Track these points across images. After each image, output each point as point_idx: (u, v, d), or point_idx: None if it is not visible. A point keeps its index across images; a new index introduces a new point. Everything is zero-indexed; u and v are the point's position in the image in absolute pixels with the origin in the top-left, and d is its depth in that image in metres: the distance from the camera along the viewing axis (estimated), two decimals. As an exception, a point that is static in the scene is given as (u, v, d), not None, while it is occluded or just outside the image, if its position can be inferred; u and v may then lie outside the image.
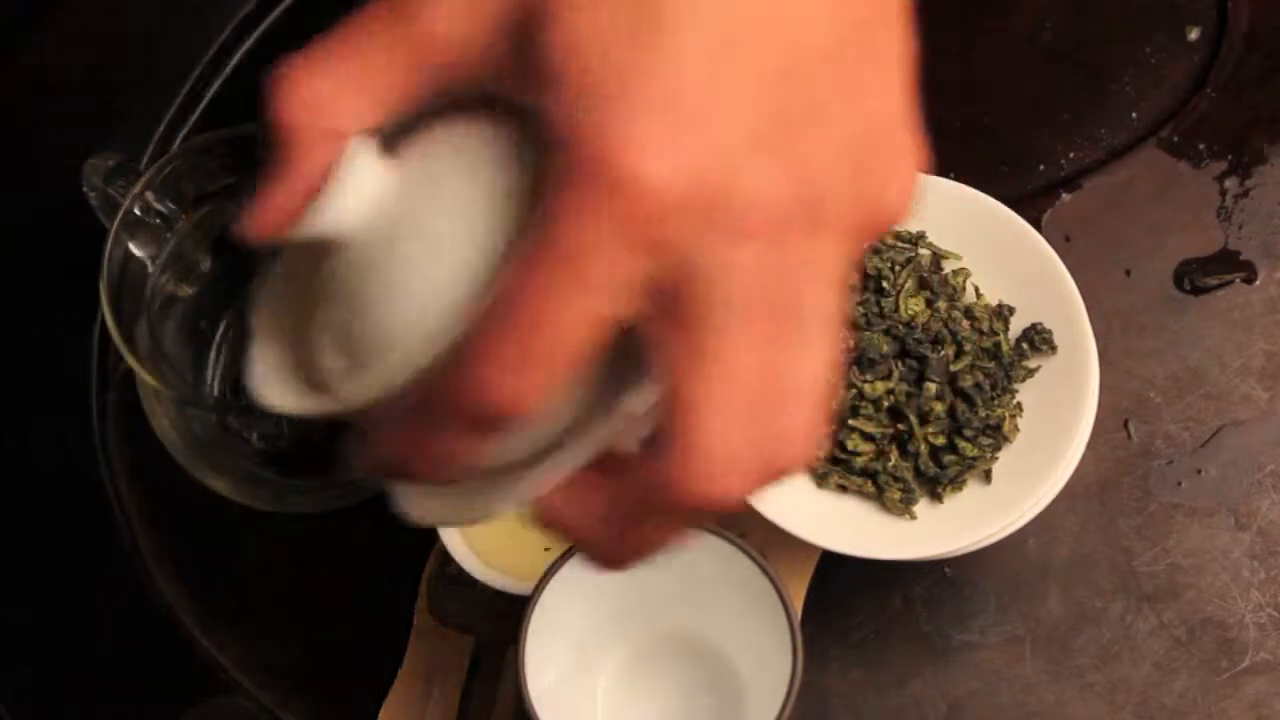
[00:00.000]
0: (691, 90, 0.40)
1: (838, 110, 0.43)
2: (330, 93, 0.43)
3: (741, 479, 0.42)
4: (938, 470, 0.76)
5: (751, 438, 0.42)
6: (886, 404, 0.76)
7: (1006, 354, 0.77)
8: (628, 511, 0.45)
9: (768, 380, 0.42)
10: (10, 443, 0.87)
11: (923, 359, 0.77)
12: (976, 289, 0.79)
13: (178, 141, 0.92)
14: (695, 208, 0.40)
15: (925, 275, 0.79)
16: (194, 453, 0.81)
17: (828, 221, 0.42)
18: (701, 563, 0.73)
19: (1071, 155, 0.88)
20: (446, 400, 0.42)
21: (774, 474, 0.43)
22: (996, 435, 0.76)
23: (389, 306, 0.44)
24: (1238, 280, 0.85)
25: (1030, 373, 0.77)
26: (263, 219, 0.44)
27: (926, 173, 0.48)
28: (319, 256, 0.46)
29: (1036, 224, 0.80)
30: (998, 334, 0.78)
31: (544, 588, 0.71)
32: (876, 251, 0.79)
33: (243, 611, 0.84)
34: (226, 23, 0.94)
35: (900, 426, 0.76)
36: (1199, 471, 0.82)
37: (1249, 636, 0.79)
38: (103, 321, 0.77)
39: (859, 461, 0.76)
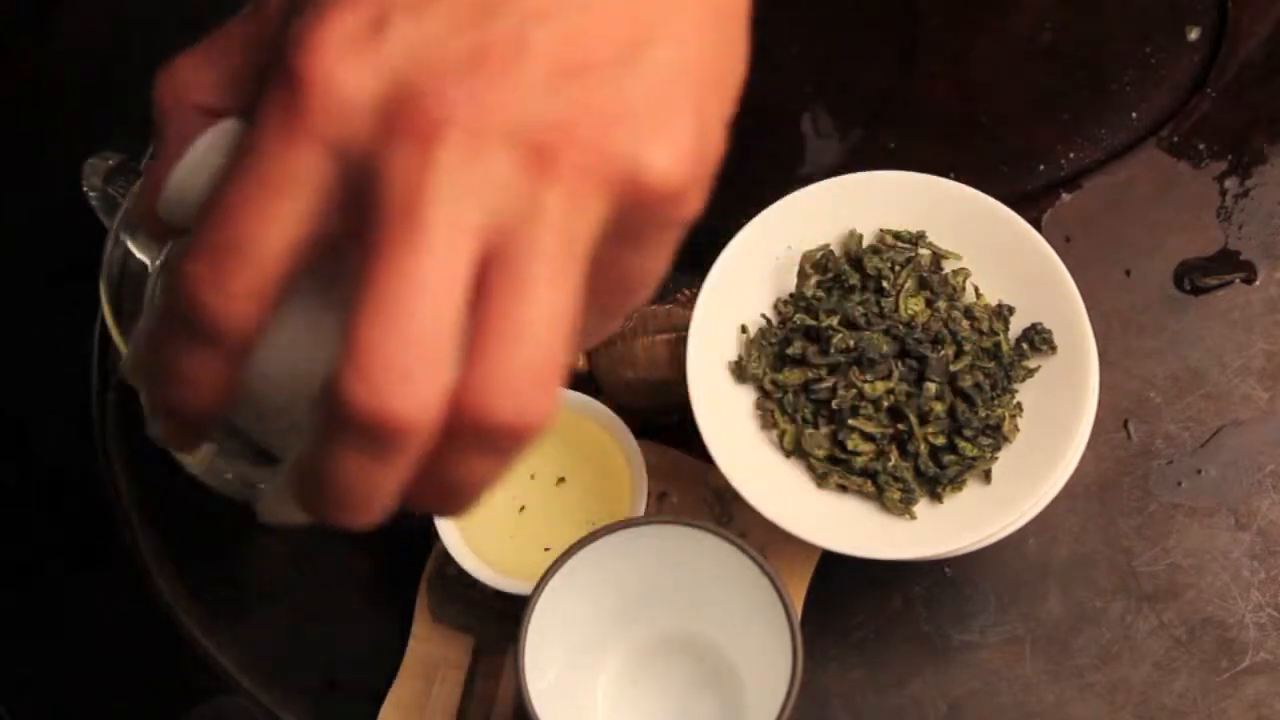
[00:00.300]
0: None
1: (569, 45, 0.43)
2: (191, 74, 0.46)
3: (414, 402, 0.41)
4: (938, 470, 0.76)
5: (418, 364, 0.42)
6: (886, 404, 0.76)
7: (1006, 354, 0.77)
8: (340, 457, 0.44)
9: (446, 305, 0.42)
10: (10, 443, 0.87)
11: (923, 359, 0.77)
12: (976, 289, 0.79)
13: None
14: (381, 109, 0.41)
15: (925, 275, 0.79)
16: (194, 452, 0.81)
17: (556, 162, 0.42)
18: (701, 563, 0.73)
19: (1071, 155, 0.88)
20: (171, 314, 0.43)
21: (463, 418, 0.42)
22: (996, 435, 0.76)
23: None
24: (1238, 280, 0.85)
25: (1030, 373, 0.77)
26: (149, 194, 0.46)
27: (716, 156, 0.47)
28: None
29: (1036, 224, 0.80)
30: (998, 334, 0.78)
31: (544, 588, 0.71)
32: (876, 252, 0.79)
33: (243, 611, 0.84)
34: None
35: (900, 426, 0.76)
36: (1199, 471, 0.82)
37: (1249, 636, 0.79)
38: (103, 321, 0.77)
39: (859, 461, 0.76)
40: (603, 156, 0.43)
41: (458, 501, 0.45)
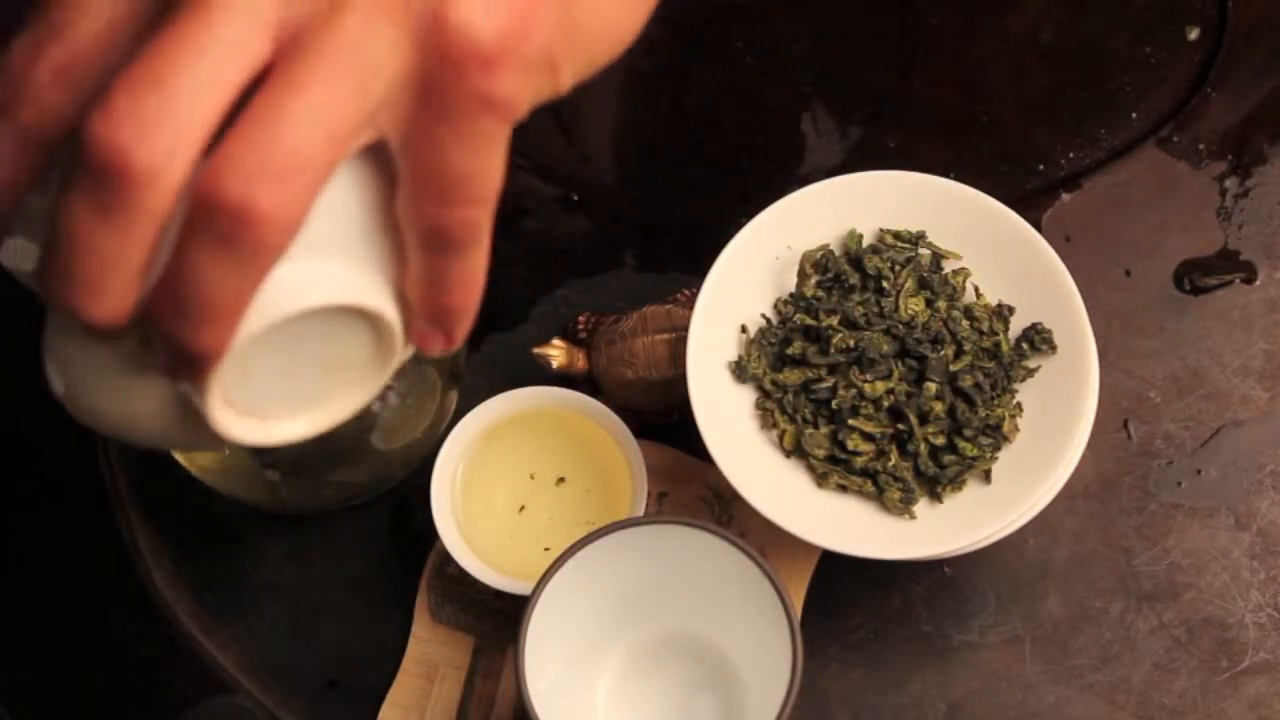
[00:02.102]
0: None
1: None
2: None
3: (151, 151, 0.42)
4: (937, 470, 0.76)
5: (167, 118, 0.43)
6: (886, 404, 0.76)
7: (1006, 354, 0.77)
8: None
9: (216, 79, 0.43)
10: (10, 443, 0.87)
11: (923, 359, 0.77)
12: (976, 289, 0.79)
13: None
14: None
15: (925, 275, 0.79)
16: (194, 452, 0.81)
17: None
18: (701, 563, 0.73)
19: (1071, 155, 0.88)
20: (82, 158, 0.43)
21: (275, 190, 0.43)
22: (996, 435, 0.76)
23: None
24: (1238, 280, 0.85)
25: (1030, 373, 0.77)
26: None
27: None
28: None
29: (1036, 224, 0.80)
30: (998, 334, 0.78)
31: (544, 588, 0.71)
32: (876, 251, 0.79)
33: (243, 611, 0.84)
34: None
35: (900, 426, 0.76)
36: (1199, 471, 0.82)
37: (1249, 636, 0.79)
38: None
39: (859, 461, 0.76)
40: None
41: (198, 321, 0.44)
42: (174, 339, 0.45)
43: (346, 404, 0.53)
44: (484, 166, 0.47)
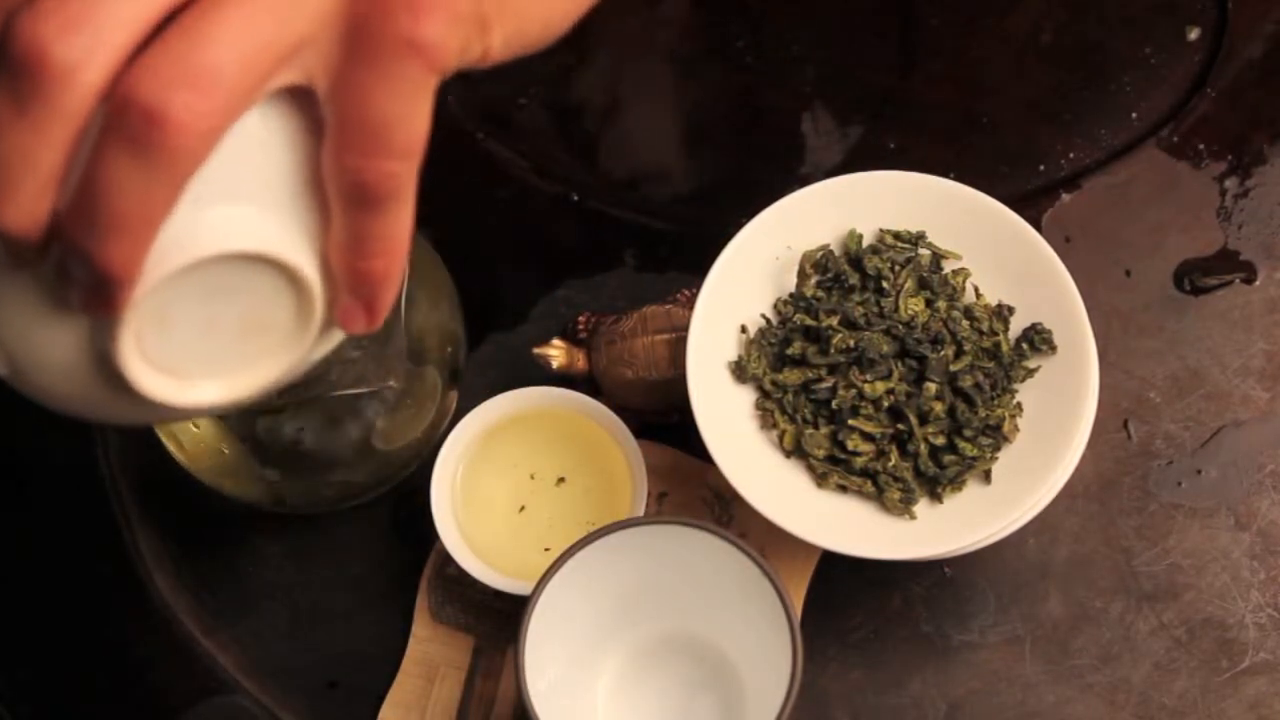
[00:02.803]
0: None
1: None
2: None
3: (72, 49, 0.43)
4: (937, 470, 0.76)
5: (93, 20, 0.43)
6: (886, 404, 0.76)
7: (1006, 354, 0.77)
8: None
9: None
10: (11, 443, 0.87)
11: (923, 359, 0.77)
12: (976, 289, 0.79)
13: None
14: None
15: (925, 275, 0.79)
16: (194, 451, 0.81)
17: None
18: (701, 563, 0.73)
19: (1071, 155, 0.88)
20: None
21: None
22: (996, 435, 0.76)
23: None
24: (1238, 280, 0.85)
25: (1030, 373, 0.77)
26: None
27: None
28: None
29: (1036, 224, 0.80)
30: (998, 334, 0.78)
31: (544, 588, 0.71)
32: (876, 252, 0.79)
33: (243, 611, 0.84)
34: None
35: (900, 426, 0.76)
36: (1199, 472, 0.82)
37: (1249, 636, 0.79)
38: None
39: (859, 461, 0.76)
40: None
41: (107, 232, 0.44)
42: (84, 255, 0.45)
43: (265, 371, 0.52)
44: (408, 114, 0.47)
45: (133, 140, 0.43)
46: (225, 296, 0.49)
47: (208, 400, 0.51)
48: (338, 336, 0.53)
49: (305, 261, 0.49)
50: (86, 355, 0.49)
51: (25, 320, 0.49)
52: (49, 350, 0.49)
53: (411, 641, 0.81)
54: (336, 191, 0.48)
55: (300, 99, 0.47)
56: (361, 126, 0.47)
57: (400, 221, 0.49)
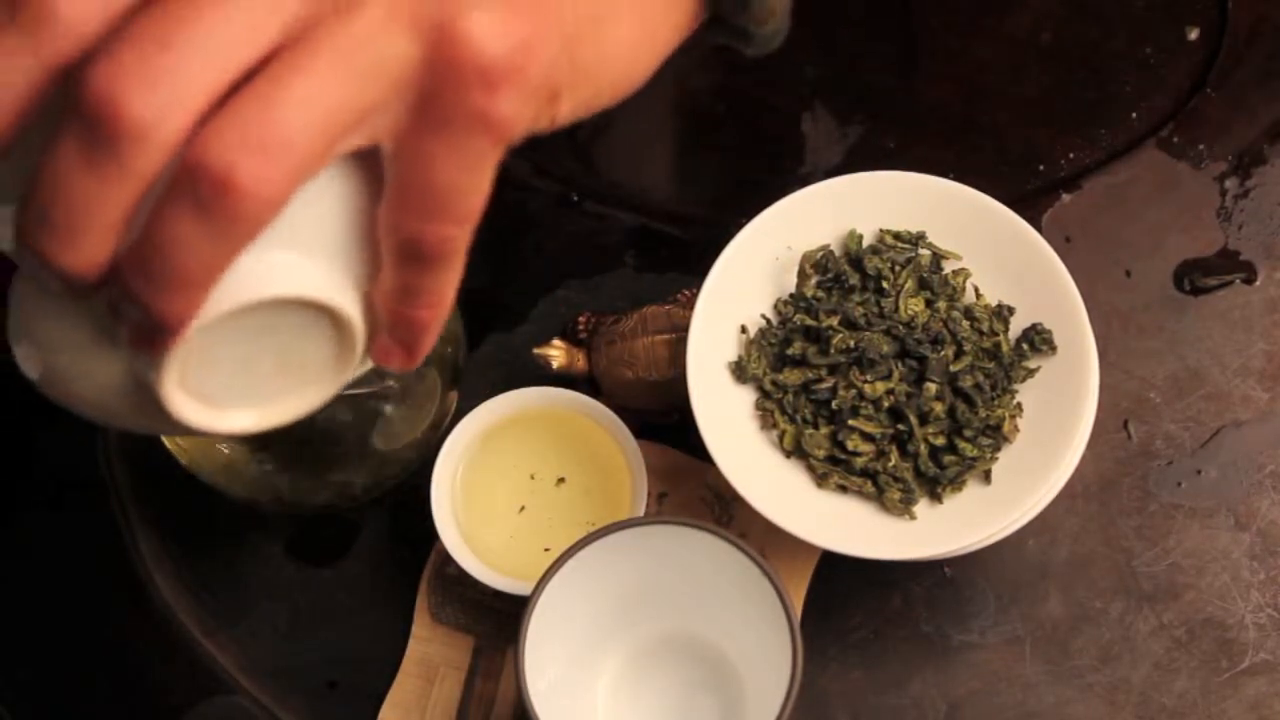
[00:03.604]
0: None
1: None
2: None
3: (149, 106, 0.43)
4: (937, 470, 0.76)
5: (171, 78, 0.43)
6: (886, 404, 0.76)
7: (1006, 354, 0.77)
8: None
9: (227, 52, 0.44)
10: (11, 443, 0.87)
11: (923, 359, 0.77)
12: (976, 289, 0.79)
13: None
14: None
15: (925, 275, 0.79)
16: (195, 451, 0.81)
17: None
18: (701, 563, 0.73)
19: (1071, 155, 0.88)
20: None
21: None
22: (996, 435, 0.76)
23: None
24: (1238, 280, 0.85)
25: (1030, 373, 0.77)
26: None
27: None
28: None
29: (1036, 224, 0.80)
30: (998, 334, 0.78)
31: (544, 588, 0.71)
32: (876, 252, 0.79)
33: (243, 611, 0.84)
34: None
35: (900, 427, 0.76)
36: (1199, 472, 0.82)
37: (1249, 637, 0.79)
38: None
39: (859, 461, 0.76)
40: None
41: (165, 287, 0.45)
42: (140, 303, 0.45)
43: (299, 404, 0.53)
44: (471, 185, 0.47)
45: (198, 202, 0.43)
46: (269, 334, 0.50)
47: (241, 427, 0.52)
48: (368, 367, 0.54)
49: (351, 307, 0.50)
50: (126, 380, 0.50)
51: (69, 342, 0.50)
52: (89, 372, 0.50)
53: (411, 641, 0.81)
54: (391, 247, 0.49)
55: (363, 156, 0.48)
56: (424, 192, 0.47)
57: (451, 278, 0.50)
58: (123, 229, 0.44)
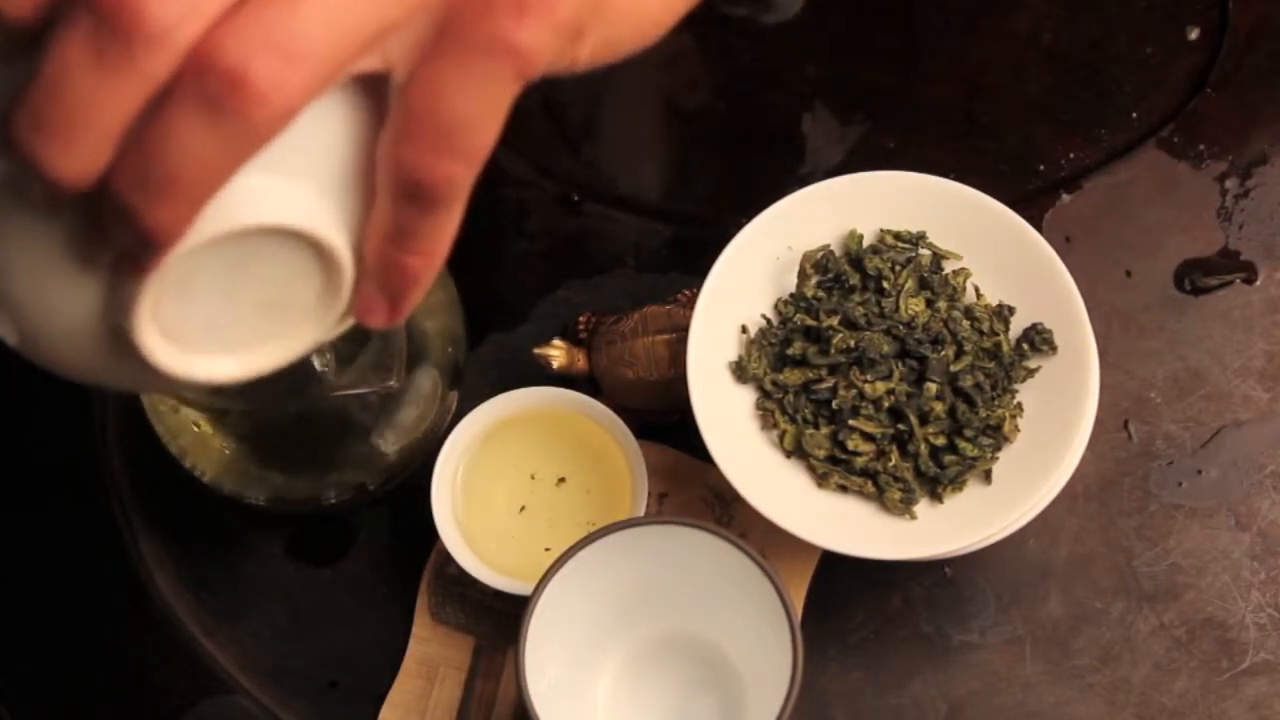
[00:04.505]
0: None
1: None
2: None
3: (163, 5, 0.41)
4: (938, 470, 0.76)
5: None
6: (887, 404, 0.76)
7: (1006, 354, 0.77)
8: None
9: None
10: (11, 442, 0.87)
11: (923, 359, 0.77)
12: (976, 289, 0.79)
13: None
14: None
15: (925, 275, 0.79)
16: (195, 451, 0.81)
17: None
18: (701, 563, 0.73)
19: (1071, 155, 0.88)
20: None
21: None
22: (997, 435, 0.76)
23: None
24: (1238, 280, 0.85)
25: (1030, 373, 0.77)
26: None
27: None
28: None
29: (1036, 224, 0.80)
30: (998, 334, 0.78)
31: (544, 588, 0.71)
32: (876, 252, 0.79)
33: (243, 611, 0.84)
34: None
35: (900, 426, 0.76)
36: (1199, 472, 0.82)
37: (1249, 637, 0.79)
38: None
39: (859, 461, 0.76)
40: None
41: (160, 192, 0.42)
42: (130, 212, 0.43)
43: (277, 352, 0.51)
44: (483, 119, 0.45)
45: (209, 103, 0.41)
46: (252, 268, 0.48)
47: (214, 375, 0.50)
48: (348, 324, 0.52)
49: (340, 242, 0.48)
50: (99, 319, 0.48)
51: (40, 275, 0.47)
52: (61, 310, 0.48)
53: (411, 642, 0.81)
54: (389, 182, 0.46)
55: (368, 81, 0.46)
56: (433, 122, 0.45)
57: (448, 224, 0.47)
58: (122, 135, 0.42)
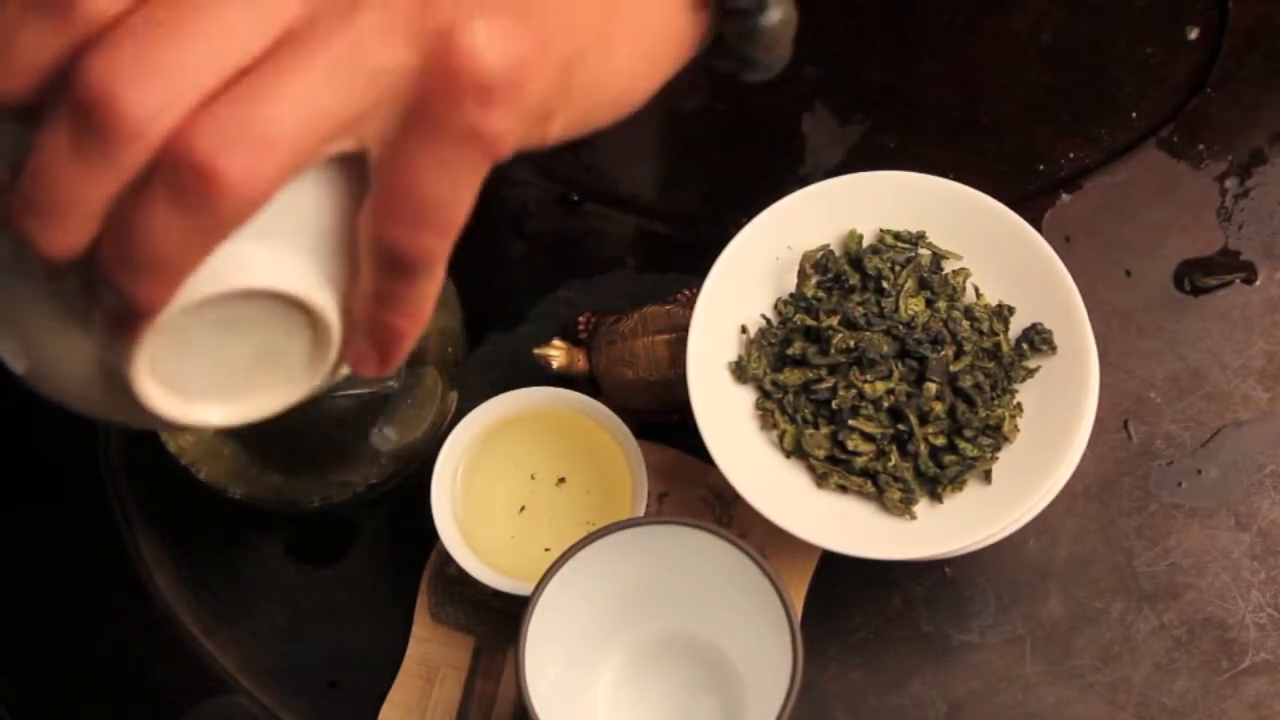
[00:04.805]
0: None
1: None
2: None
3: (144, 99, 0.43)
4: (938, 470, 0.76)
5: (166, 71, 0.43)
6: (887, 404, 0.76)
7: (1006, 354, 0.77)
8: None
9: (225, 46, 0.44)
10: (11, 442, 0.87)
11: (923, 359, 0.77)
12: (976, 289, 0.79)
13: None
14: None
15: (925, 275, 0.79)
16: (194, 451, 0.81)
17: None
18: (701, 563, 0.73)
19: (1071, 155, 0.88)
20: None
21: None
22: (996, 435, 0.76)
23: None
24: (1238, 280, 0.85)
25: (1030, 373, 0.77)
26: None
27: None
28: None
29: (1036, 224, 0.80)
30: (998, 334, 0.78)
31: (544, 588, 0.71)
32: (876, 252, 0.79)
33: (243, 611, 0.84)
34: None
35: (900, 426, 0.76)
36: (1199, 472, 0.82)
37: (1249, 637, 0.79)
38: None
39: (859, 461, 0.76)
40: (427, 5, 0.45)
41: (141, 273, 0.44)
42: (115, 287, 0.45)
43: (270, 402, 0.53)
44: (455, 197, 0.47)
45: (181, 193, 0.43)
46: (244, 328, 0.50)
47: (212, 421, 0.52)
48: (344, 373, 0.54)
49: (327, 305, 0.50)
50: (101, 368, 0.50)
51: (47, 327, 0.50)
52: (66, 357, 0.51)
53: (412, 642, 0.81)
54: (372, 253, 0.49)
55: (350, 159, 0.48)
56: (408, 200, 0.47)
57: (429, 288, 0.50)
58: (104, 215, 0.44)
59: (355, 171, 0.48)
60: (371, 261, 0.49)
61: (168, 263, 0.44)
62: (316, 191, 0.48)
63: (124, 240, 0.44)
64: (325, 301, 0.50)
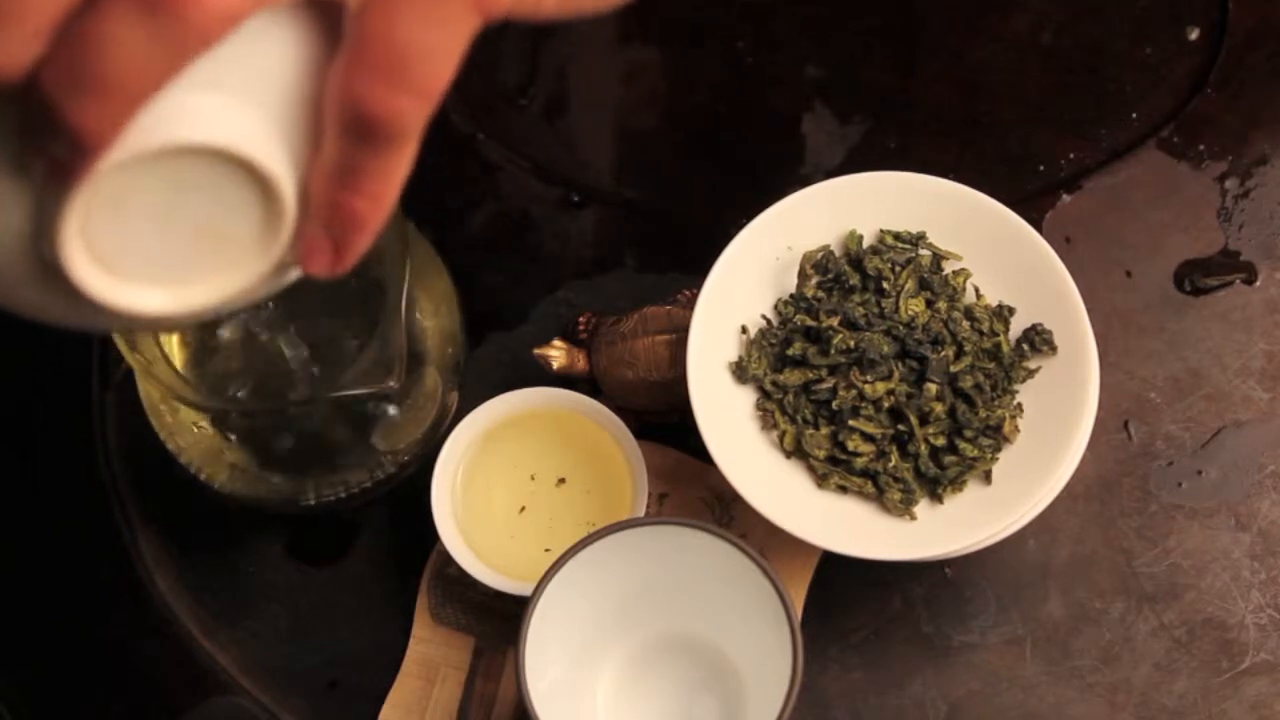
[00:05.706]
0: None
1: None
2: None
3: None
4: (938, 471, 0.76)
5: None
6: (887, 405, 0.76)
7: (1006, 354, 0.77)
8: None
9: None
10: (11, 443, 0.87)
11: (923, 359, 0.77)
12: (976, 289, 0.79)
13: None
14: None
15: (925, 276, 0.79)
16: (195, 451, 0.81)
17: None
18: (701, 563, 0.73)
19: (1071, 155, 0.88)
20: None
21: None
22: (997, 436, 0.76)
23: None
24: (1238, 281, 0.85)
25: (1030, 373, 0.77)
26: None
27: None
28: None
29: (1036, 224, 0.80)
30: (998, 334, 0.78)
31: (544, 588, 0.71)
32: (876, 252, 0.79)
33: (243, 612, 0.84)
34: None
35: (900, 427, 0.76)
36: (1199, 472, 0.82)
37: (1249, 637, 0.79)
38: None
39: (859, 462, 0.76)
40: None
41: (92, 92, 0.40)
42: (59, 113, 0.40)
43: (210, 290, 0.48)
44: (439, 50, 0.43)
45: (147, 2, 0.39)
46: (190, 194, 0.45)
47: (145, 306, 0.47)
48: (293, 275, 0.49)
49: (283, 173, 0.45)
50: (29, 240, 0.45)
51: None
52: None
53: (412, 642, 0.81)
54: (337, 116, 0.44)
55: (323, 8, 0.44)
56: (386, 52, 0.42)
57: (397, 165, 0.45)
58: (54, 29, 0.40)
59: (329, 21, 0.44)
60: (337, 127, 0.44)
61: (122, 84, 0.40)
62: (284, 39, 0.44)
63: (75, 56, 0.40)
64: (280, 168, 0.45)
